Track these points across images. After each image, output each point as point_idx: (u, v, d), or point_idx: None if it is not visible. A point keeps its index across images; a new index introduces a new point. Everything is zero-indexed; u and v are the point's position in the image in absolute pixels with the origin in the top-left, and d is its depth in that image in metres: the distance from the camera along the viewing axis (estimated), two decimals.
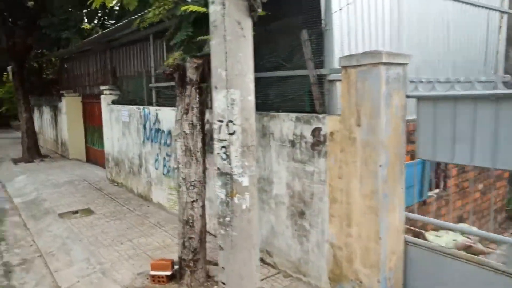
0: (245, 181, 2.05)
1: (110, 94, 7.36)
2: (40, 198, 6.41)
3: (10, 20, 10.20)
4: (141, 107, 6.07)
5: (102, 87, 7.53)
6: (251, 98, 2.09)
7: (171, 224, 4.90)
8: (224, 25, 2.00)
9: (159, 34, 5.93)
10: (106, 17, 8.34)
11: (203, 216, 3.33)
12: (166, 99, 5.63)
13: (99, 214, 5.46)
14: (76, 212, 5.56)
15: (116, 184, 7.18)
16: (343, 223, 2.78)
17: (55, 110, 11.27)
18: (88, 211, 5.60)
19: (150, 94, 6.02)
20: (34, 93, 12.31)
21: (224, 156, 2.07)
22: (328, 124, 2.86)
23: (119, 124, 6.92)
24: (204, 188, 3.36)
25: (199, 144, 3.31)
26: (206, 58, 3.39)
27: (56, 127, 11.36)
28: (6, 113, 19.64)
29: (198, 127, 3.32)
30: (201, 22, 3.66)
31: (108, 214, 5.44)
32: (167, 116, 5.29)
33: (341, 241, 2.81)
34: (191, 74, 3.27)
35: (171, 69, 3.34)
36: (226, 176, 2.08)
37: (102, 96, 7.52)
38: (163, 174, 5.52)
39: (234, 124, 2.02)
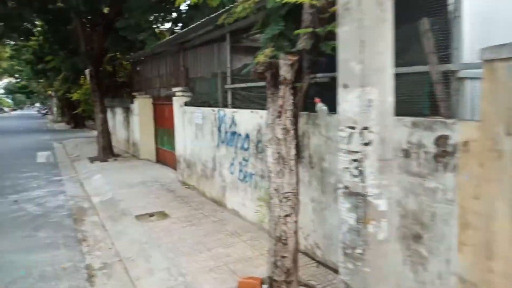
0: (382, 204, 1.65)
1: (183, 96, 7.32)
2: (116, 198, 6.49)
3: (88, 26, 10.73)
4: (216, 109, 5.88)
5: (174, 89, 7.52)
6: (391, 99, 1.67)
7: (249, 233, 4.62)
8: (361, 6, 1.60)
9: (237, 33, 5.71)
10: (178, 19, 8.36)
11: (296, 232, 2.96)
12: (242, 101, 5.38)
13: (174, 218, 5.34)
14: (152, 215, 5.50)
15: (187, 186, 7.10)
16: (481, 254, 2.25)
17: (127, 111, 11.66)
18: (163, 215, 5.51)
19: (225, 96, 5.82)
20: (107, 95, 12.90)
21: (355, 172, 1.68)
22: (460, 131, 2.35)
23: (192, 126, 6.82)
24: (298, 201, 2.99)
25: (293, 151, 2.95)
26: (301, 54, 3.03)
27: (128, 128, 11.76)
28: (82, 113, 21.00)
29: (292, 132, 2.96)
30: (293, 15, 3.31)
31: (183, 218, 5.30)
32: (245, 119, 5.02)
33: (476, 277, 2.28)
34: (285, 72, 2.92)
35: (262, 67, 3.02)
36: (357, 197, 1.68)
37: (174, 98, 7.51)
38: (239, 179, 5.26)
39: (370, 131, 1.62)
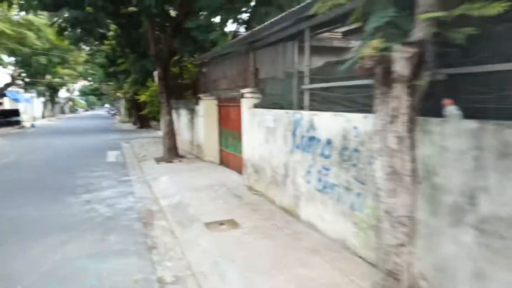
0: None
1: (252, 97, 6.97)
2: (184, 202, 6.30)
3: (157, 28, 10.86)
4: (291, 111, 5.43)
5: (243, 90, 7.20)
6: None
7: (332, 252, 4.09)
8: None
9: (315, 28, 5.22)
10: (251, 17, 8.06)
11: (411, 266, 2.40)
12: (322, 103, 4.87)
13: (245, 228, 4.97)
14: (222, 223, 5.18)
15: (255, 192, 6.73)
16: None
17: (192, 113, 11.66)
18: (233, 223, 5.17)
19: (301, 97, 5.34)
20: (173, 97, 13.07)
21: None
22: None
23: (262, 129, 6.44)
24: (415, 228, 2.42)
25: (409, 165, 2.39)
26: (420, 46, 2.45)
27: (192, 130, 11.75)
28: (148, 115, 21.76)
29: (408, 141, 2.40)
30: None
31: (254, 229, 4.91)
32: (326, 123, 4.51)
33: None
34: (402, 67, 2.38)
35: (371, 62, 2.49)
36: None
37: (243, 100, 7.19)
38: (317, 190, 4.75)
39: None
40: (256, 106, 6.86)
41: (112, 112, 63.98)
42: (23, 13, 20.51)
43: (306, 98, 5.23)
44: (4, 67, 33.12)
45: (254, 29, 6.14)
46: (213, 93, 10.45)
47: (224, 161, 9.89)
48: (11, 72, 28.25)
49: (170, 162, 10.30)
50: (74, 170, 9.64)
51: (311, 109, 5.09)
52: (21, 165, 10.54)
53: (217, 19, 7.58)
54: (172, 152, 10.80)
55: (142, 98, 18.09)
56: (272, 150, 6.09)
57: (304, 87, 5.26)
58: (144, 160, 11.13)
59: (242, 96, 7.31)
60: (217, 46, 7.12)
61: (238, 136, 8.74)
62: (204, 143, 10.42)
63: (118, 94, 37.59)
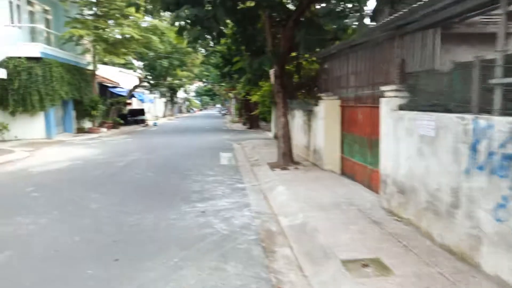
0: None
1: (396, 96, 5.53)
2: (309, 224, 5.20)
3: (275, 22, 10.04)
4: (468, 116, 3.89)
5: (384, 88, 5.80)
6: None
7: None
8: None
9: None
10: None
11: None
12: None
13: (400, 276, 3.63)
14: (365, 264, 3.92)
15: (398, 219, 5.29)
16: None
17: (308, 114, 10.58)
18: (381, 266, 3.87)
19: (487, 96, 3.76)
20: (288, 97, 12.17)
21: None
22: None
23: (413, 137, 4.97)
24: None
25: None
26: None
27: (308, 133, 10.66)
28: (259, 115, 21.50)
29: None
30: None
31: (415, 280, 3.53)
32: None
33: None
34: None
35: None
36: None
37: (383, 100, 5.79)
38: None
39: None
40: (401, 107, 5.41)
41: (223, 112, 67.11)
42: (148, 18, 22.12)
43: (498, 98, 3.63)
44: (134, 71, 36.79)
45: (413, 5, 4.69)
46: (336, 91, 9.19)
47: (347, 172, 8.56)
48: (139, 75, 31.09)
49: (285, 168, 9.37)
50: (190, 172, 9.39)
51: (507, 114, 3.49)
52: (141, 164, 10.78)
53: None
54: (287, 158, 9.86)
55: (254, 98, 17.73)
56: (429, 167, 4.59)
57: (495, 81, 3.66)
58: (257, 164, 10.44)
59: (380, 95, 5.92)
60: (356, 34, 5.86)
61: (367, 143, 7.33)
62: (324, 149, 9.22)
63: (230, 94, 38.80)
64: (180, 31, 10.67)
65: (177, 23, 9.62)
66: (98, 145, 16.01)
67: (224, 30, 11.36)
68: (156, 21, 21.19)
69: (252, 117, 25.42)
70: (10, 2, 18.37)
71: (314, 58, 11.15)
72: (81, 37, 19.11)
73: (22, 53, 17.68)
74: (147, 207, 6.28)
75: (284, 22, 9.78)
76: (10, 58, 17.47)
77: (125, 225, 5.36)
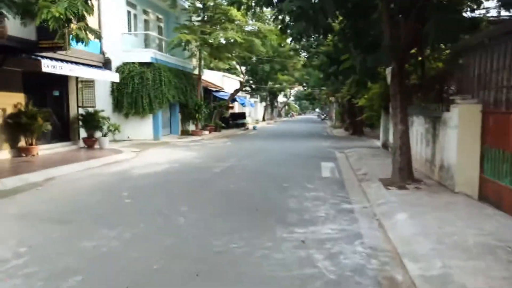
0: None
1: None
2: (454, 280, 3.65)
3: (396, 12, 8.43)
4: None
5: None
6: None
7: None
8: None
9: None
10: None
11: None
12: None
13: None
14: None
15: None
16: None
17: (434, 122, 8.66)
18: None
19: None
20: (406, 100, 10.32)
21: None
22: None
23: None
24: None
25: None
26: None
27: (433, 145, 8.74)
28: (365, 120, 19.58)
29: None
30: None
31: None
32: None
33: None
34: None
35: None
36: None
37: None
38: None
39: None
40: None
41: (322, 116, 65.26)
42: (251, 21, 21.92)
43: None
44: (237, 75, 37.54)
45: None
46: (475, 94, 7.21)
47: (488, 197, 6.56)
48: (240, 79, 31.48)
49: (403, 188, 7.68)
50: (287, 184, 8.36)
51: None
52: (236, 171, 10.13)
53: None
54: (404, 174, 8.14)
55: (361, 102, 15.99)
56: None
57: None
58: (366, 179, 8.92)
59: None
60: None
61: None
62: (456, 166, 7.29)
63: (331, 98, 37.15)
64: (283, 29, 9.78)
65: (279, 17, 8.66)
66: (198, 148, 16.09)
67: (332, 25, 10.12)
68: (258, 24, 20.85)
69: (355, 122, 23.49)
70: (129, 12, 19.79)
71: (441, 53, 9.16)
72: (188, 42, 19.70)
73: (135, 58, 18.86)
74: (238, 227, 5.38)
75: (407, 10, 8.11)
76: (125, 64, 18.76)
77: (211, 251, 4.51)
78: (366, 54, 9.48)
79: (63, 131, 14.34)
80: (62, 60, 11.98)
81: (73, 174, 9.55)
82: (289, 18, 8.49)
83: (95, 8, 14.30)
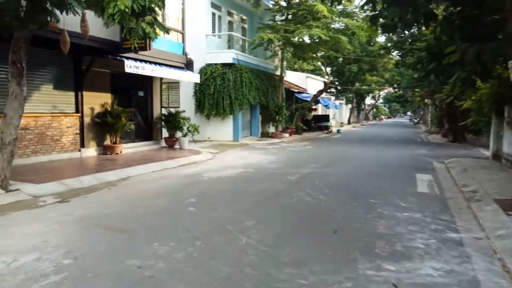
0: None
1: None
2: None
3: None
4: None
5: None
6: None
7: None
8: None
9: None
10: None
11: None
12: None
13: None
14: None
15: None
16: None
17: None
18: None
19: None
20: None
21: None
22: None
23: None
24: None
25: None
26: None
27: None
28: (469, 126, 16.87)
29: None
30: None
31: None
32: None
33: None
34: None
35: None
36: None
37: None
38: None
39: None
40: None
41: (415, 120, 60.10)
42: (337, 18, 20.46)
43: None
44: (322, 76, 36.13)
45: None
46: None
47: None
48: (325, 79, 30.06)
49: None
50: (374, 201, 7.05)
51: None
52: (314, 181, 9.04)
53: None
54: None
55: (467, 104, 13.62)
56: None
57: None
58: (476, 199, 7.16)
59: None
60: None
61: None
62: None
63: (426, 100, 33.55)
64: (373, 20, 8.49)
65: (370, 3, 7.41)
66: (277, 152, 15.30)
67: (435, 11, 8.49)
68: (345, 20, 19.34)
69: (456, 128, 20.54)
70: (213, 14, 19.88)
71: None
72: (270, 41, 19.08)
73: (218, 59, 18.83)
74: (309, 256, 4.36)
75: None
76: (208, 65, 18.83)
77: None
78: (480, 45, 7.65)
79: (146, 131, 14.70)
80: (145, 61, 12.15)
81: (147, 175, 9.42)
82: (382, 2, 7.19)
83: (179, 11, 14.46)
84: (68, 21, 8.16)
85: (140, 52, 11.70)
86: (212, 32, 19.78)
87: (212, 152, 14.56)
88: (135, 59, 11.71)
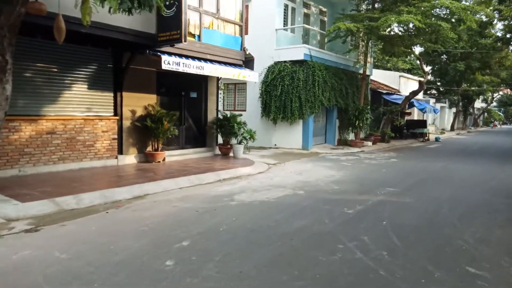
0: None
1: None
2: None
3: None
4: None
5: None
6: None
7: None
8: None
9: None
10: None
11: None
12: None
13: None
14: None
15: None
16: None
17: None
18: None
19: None
20: None
21: None
22: None
23: None
24: None
25: None
26: None
27: None
28: None
29: None
30: None
31: None
32: None
33: None
34: None
35: None
36: None
37: None
38: None
39: None
40: None
41: None
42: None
43: None
44: (420, 76, 31.35)
45: None
46: None
47: None
48: (420, 79, 25.66)
49: None
50: (479, 272, 4.15)
51: None
52: (383, 218, 6.30)
53: None
54: None
55: None
56: None
57: None
58: None
59: None
60: None
61: None
62: None
63: None
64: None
65: None
66: (349, 165, 12.50)
67: None
68: (448, 1, 15.43)
69: None
70: (286, 6, 17.76)
71: None
72: (349, 31, 16.19)
73: (288, 56, 16.64)
74: None
75: None
76: (277, 63, 16.76)
77: None
78: None
79: (199, 136, 13.21)
80: (191, 57, 10.56)
81: (169, 193, 7.71)
82: None
83: (237, 0, 12.62)
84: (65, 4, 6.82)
85: (185, 47, 10.16)
86: (284, 26, 17.61)
87: (270, 163, 12.43)
88: (178, 55, 10.18)
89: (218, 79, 13.60)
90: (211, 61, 11.48)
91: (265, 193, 7.83)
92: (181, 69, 9.84)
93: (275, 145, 17.19)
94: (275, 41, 16.95)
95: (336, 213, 6.41)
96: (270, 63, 16.85)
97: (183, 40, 8.78)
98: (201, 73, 10.52)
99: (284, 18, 17.62)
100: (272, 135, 17.26)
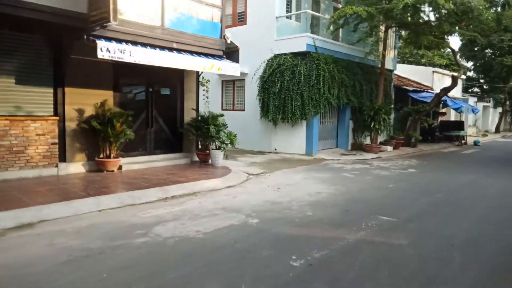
0: None
1: None
2: None
3: None
4: None
5: None
6: None
7: None
8: None
9: None
10: None
11: None
12: None
13: None
14: None
15: None
16: None
17: None
18: None
19: None
20: None
21: None
22: None
23: None
24: None
25: None
26: None
27: None
28: None
29: None
30: None
31: None
32: None
33: None
34: None
35: None
36: None
37: None
38: None
39: None
40: None
41: None
42: None
43: None
44: (464, 73, 27.87)
45: None
46: None
47: None
48: (454, 74, 22.35)
49: None
50: None
51: None
52: (350, 273, 4.00)
53: None
54: None
55: None
56: None
57: None
58: None
59: None
60: None
61: None
62: None
63: None
64: None
65: None
66: (350, 178, 10.06)
67: None
68: None
69: None
70: None
71: None
72: (358, 17, 13.62)
73: (289, 48, 14.34)
74: None
75: None
76: (276, 56, 14.50)
77: None
78: None
79: (173, 140, 11.29)
80: (144, 45, 8.63)
81: (75, 219, 5.80)
82: None
83: None
84: None
85: (142, 33, 8.26)
86: (286, 12, 15.30)
87: (252, 173, 10.28)
88: (131, 42, 8.29)
89: (198, 73, 11.62)
90: (180, 50, 9.52)
91: (203, 223, 5.71)
92: (126, 58, 7.93)
93: (275, 149, 14.96)
94: (276, 30, 14.70)
95: (273, 268, 4.15)
96: (270, 56, 14.64)
97: (111, 18, 6.82)
98: (157, 64, 8.57)
99: (288, 5, 15.32)
100: (272, 139, 15.05)
